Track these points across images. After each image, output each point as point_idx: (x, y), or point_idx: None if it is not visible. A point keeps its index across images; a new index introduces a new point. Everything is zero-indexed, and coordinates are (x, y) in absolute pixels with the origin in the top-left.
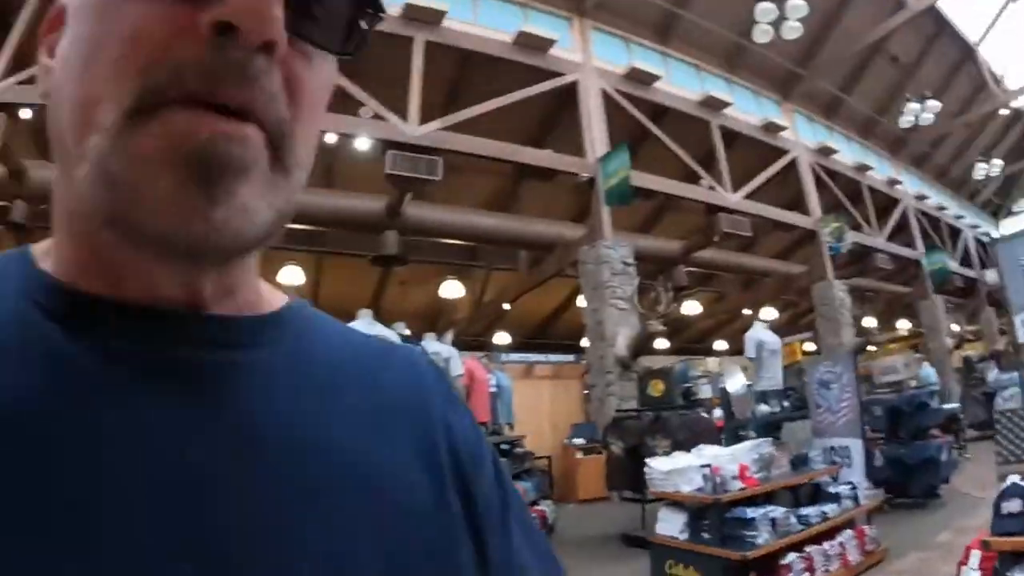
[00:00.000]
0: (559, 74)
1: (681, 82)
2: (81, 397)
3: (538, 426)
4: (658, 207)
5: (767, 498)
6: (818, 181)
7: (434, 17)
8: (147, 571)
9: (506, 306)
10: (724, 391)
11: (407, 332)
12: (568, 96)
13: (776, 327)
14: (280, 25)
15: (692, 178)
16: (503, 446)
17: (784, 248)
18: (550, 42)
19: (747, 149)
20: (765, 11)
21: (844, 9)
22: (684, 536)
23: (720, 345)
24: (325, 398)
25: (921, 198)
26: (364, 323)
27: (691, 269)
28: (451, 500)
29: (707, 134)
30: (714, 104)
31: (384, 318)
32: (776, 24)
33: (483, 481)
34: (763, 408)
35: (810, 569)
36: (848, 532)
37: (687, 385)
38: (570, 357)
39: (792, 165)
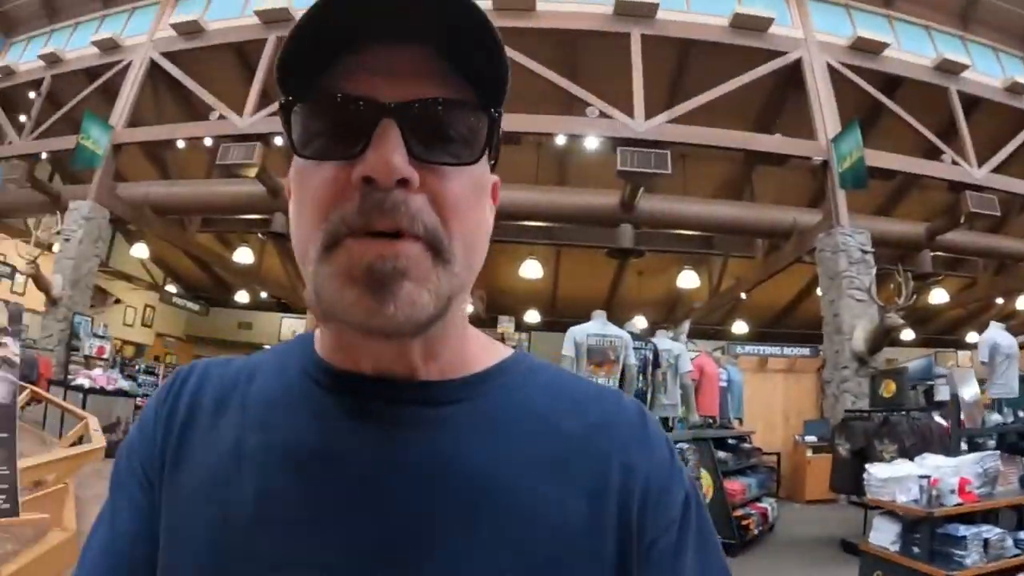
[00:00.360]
0: (781, 53)
1: (912, 47)
2: (337, 438)
3: (770, 421)
4: (899, 186)
5: (986, 516)
6: None
7: (648, 10)
8: (348, 555)
9: (742, 295)
10: (954, 396)
11: (639, 328)
12: (793, 74)
13: None
14: (402, 168)
15: (933, 153)
16: (730, 441)
17: None
18: (768, 21)
19: (991, 115)
20: None
21: None
22: (895, 548)
23: (972, 337)
24: (503, 441)
25: None
26: (598, 324)
27: (937, 253)
28: (606, 531)
29: (945, 102)
30: (950, 68)
31: (621, 308)
32: None
33: (659, 517)
34: (995, 417)
35: None
36: None
37: (930, 383)
38: (806, 350)
39: None
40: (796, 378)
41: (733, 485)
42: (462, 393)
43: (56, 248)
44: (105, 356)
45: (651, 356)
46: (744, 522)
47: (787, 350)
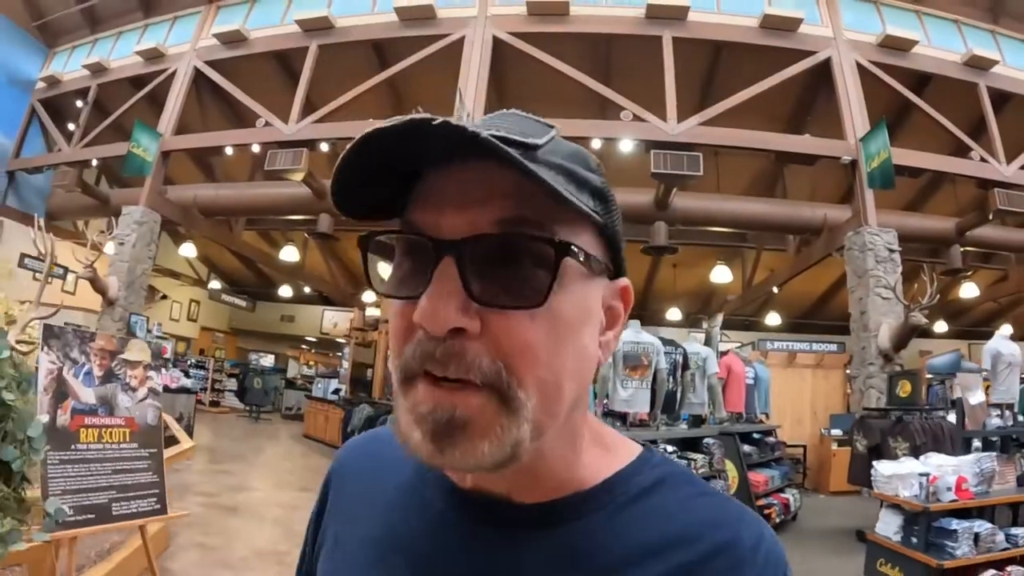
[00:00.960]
0: (810, 52)
1: (941, 42)
2: (442, 536)
3: (798, 415)
4: (930, 180)
5: (982, 512)
6: None
7: (679, 12)
8: None
9: (775, 290)
10: (958, 400)
11: (666, 336)
12: (823, 73)
13: None
14: (452, 319)
15: (962, 149)
16: (754, 435)
17: None
18: (798, 21)
19: (1023, 110)
20: None
21: None
22: (898, 538)
23: (1006, 330)
24: (571, 573)
25: None
26: (632, 332)
27: (968, 248)
28: None
29: (975, 98)
30: (980, 63)
31: (657, 300)
32: None
33: None
34: (995, 421)
35: None
36: None
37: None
38: (833, 346)
39: None
40: (824, 373)
41: (757, 477)
42: (555, 517)
43: (107, 250)
44: (167, 355)
45: (680, 360)
46: (766, 511)
47: (815, 346)
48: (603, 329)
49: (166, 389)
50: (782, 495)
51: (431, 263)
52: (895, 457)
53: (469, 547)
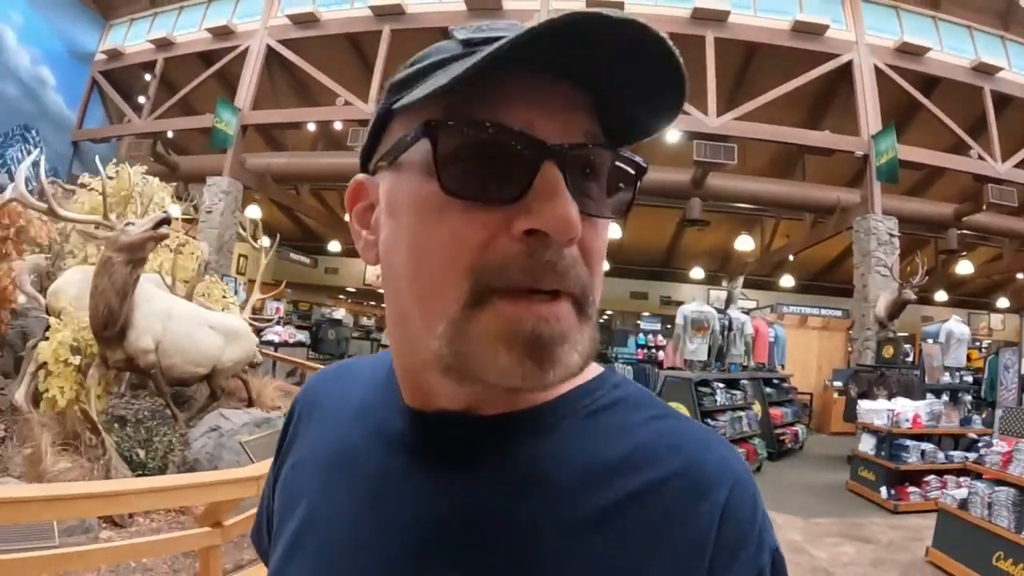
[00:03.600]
0: (835, 55)
1: (953, 47)
2: (394, 455)
3: (806, 367)
4: (934, 168)
5: (930, 438)
6: None
7: (720, 15)
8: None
9: (791, 257)
10: (921, 363)
11: (718, 307)
12: (843, 72)
13: None
14: (579, 225)
15: (961, 145)
16: (774, 381)
17: None
18: (825, 27)
19: (1022, 111)
20: None
21: None
22: (872, 452)
23: (1003, 303)
24: (527, 491)
25: None
26: (697, 304)
27: (963, 232)
28: None
29: (979, 99)
30: (987, 69)
31: (681, 258)
32: None
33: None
34: (946, 379)
35: (943, 488)
36: None
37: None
38: (838, 312)
39: None
40: (829, 335)
41: (775, 412)
42: (512, 429)
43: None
44: (281, 315)
45: (727, 323)
46: (781, 438)
47: (823, 311)
48: None
49: (284, 344)
50: (793, 428)
51: (529, 168)
52: (875, 400)
53: (421, 467)
